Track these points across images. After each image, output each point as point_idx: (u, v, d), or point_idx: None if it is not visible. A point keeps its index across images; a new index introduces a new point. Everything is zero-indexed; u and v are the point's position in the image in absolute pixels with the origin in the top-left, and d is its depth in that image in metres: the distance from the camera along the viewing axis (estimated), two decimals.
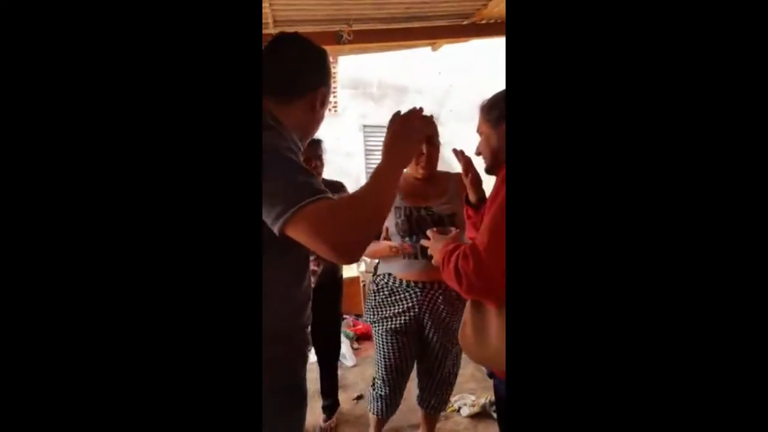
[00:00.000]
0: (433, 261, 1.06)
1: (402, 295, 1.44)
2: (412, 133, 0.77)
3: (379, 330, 1.48)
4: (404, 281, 1.44)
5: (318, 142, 1.69)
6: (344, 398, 2.16)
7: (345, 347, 2.54)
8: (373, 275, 1.59)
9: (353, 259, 0.66)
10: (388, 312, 1.46)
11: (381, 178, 0.71)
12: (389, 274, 1.47)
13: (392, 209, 1.40)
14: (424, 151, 1.40)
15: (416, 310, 1.43)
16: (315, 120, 0.84)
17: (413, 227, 1.41)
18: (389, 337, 1.46)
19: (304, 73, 0.79)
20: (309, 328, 0.83)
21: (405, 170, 1.41)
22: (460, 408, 2.02)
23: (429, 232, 1.06)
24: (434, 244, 1.02)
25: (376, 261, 1.61)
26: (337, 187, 1.74)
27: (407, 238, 1.42)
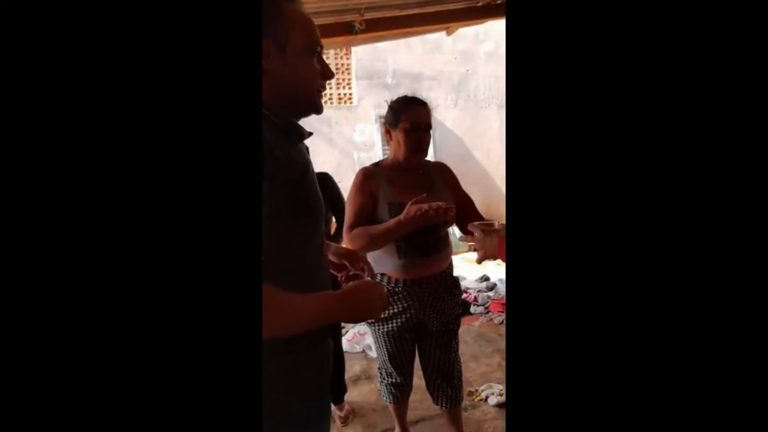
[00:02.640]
0: (478, 258, 1.04)
1: (400, 296, 1.36)
2: (369, 308, 0.72)
3: (378, 330, 1.43)
4: (401, 280, 1.35)
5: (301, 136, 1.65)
6: (371, 388, 2.19)
7: (371, 338, 2.56)
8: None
9: None
10: (386, 313, 1.38)
11: (312, 310, 0.65)
12: (382, 275, 1.37)
13: (384, 205, 1.31)
14: (423, 137, 1.32)
15: (417, 306, 1.38)
16: (279, 79, 0.67)
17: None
18: (389, 337, 1.43)
19: None
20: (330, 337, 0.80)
21: (392, 156, 1.37)
22: (487, 397, 2.01)
23: (472, 227, 1.05)
24: (485, 238, 0.98)
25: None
26: (322, 178, 1.74)
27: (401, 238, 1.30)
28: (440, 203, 1.17)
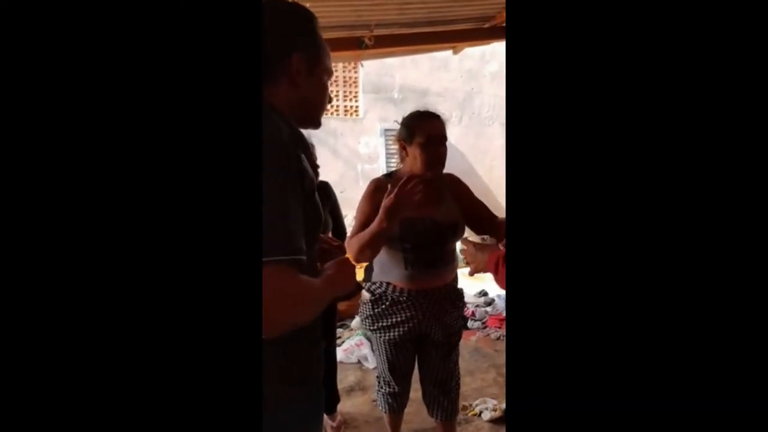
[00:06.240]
0: (470, 271, 1.10)
1: (404, 305, 1.37)
2: (345, 282, 0.78)
3: (379, 339, 1.44)
4: (406, 290, 1.36)
5: (308, 146, 1.71)
6: (364, 400, 2.18)
7: (366, 349, 2.56)
8: (365, 281, 1.48)
9: (267, 335, 0.58)
10: (389, 321, 1.39)
11: (320, 294, 0.70)
12: (388, 284, 1.39)
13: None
14: (439, 151, 1.33)
15: (420, 317, 1.38)
16: (303, 96, 0.73)
17: (418, 237, 1.31)
18: (390, 345, 1.43)
19: (269, 42, 0.66)
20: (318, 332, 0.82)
21: (407, 170, 1.38)
22: (481, 412, 2.00)
23: (464, 242, 1.10)
24: (476, 254, 1.05)
25: (365, 264, 1.48)
26: (323, 187, 1.80)
27: (407, 246, 1.33)
28: (408, 179, 1.15)
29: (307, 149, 0.78)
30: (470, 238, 1.19)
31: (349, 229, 1.83)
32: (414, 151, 1.34)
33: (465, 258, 1.11)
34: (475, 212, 1.42)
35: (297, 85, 0.72)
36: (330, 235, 1.94)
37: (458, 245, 1.20)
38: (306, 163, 0.75)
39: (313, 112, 0.78)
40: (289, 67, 0.70)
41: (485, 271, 1.01)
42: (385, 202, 1.17)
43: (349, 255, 1.32)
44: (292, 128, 0.72)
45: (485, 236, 1.17)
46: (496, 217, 1.42)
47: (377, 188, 1.38)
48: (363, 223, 1.34)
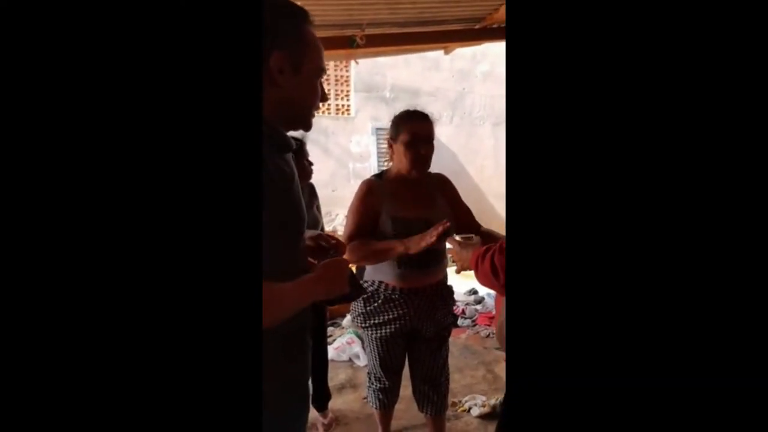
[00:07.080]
0: (456, 269, 1.11)
1: (396, 302, 1.40)
2: (335, 284, 0.75)
3: (371, 335, 1.46)
4: (398, 289, 1.39)
5: (301, 144, 1.72)
6: (355, 397, 2.19)
7: (358, 347, 2.57)
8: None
9: None
10: (381, 318, 1.41)
11: (290, 296, 0.69)
12: (380, 282, 1.41)
13: (387, 219, 1.35)
14: (422, 151, 1.35)
15: (411, 313, 1.41)
16: (288, 96, 0.71)
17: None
18: (383, 342, 1.45)
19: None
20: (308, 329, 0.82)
21: (395, 170, 1.40)
22: (470, 408, 2.03)
23: (451, 241, 1.11)
24: (461, 252, 1.06)
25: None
26: (311, 188, 1.84)
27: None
28: (440, 226, 1.21)
29: (288, 150, 0.77)
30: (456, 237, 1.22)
31: (339, 228, 1.84)
32: (399, 150, 1.36)
33: (452, 256, 1.13)
34: (460, 217, 1.44)
35: (279, 85, 0.69)
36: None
37: (447, 244, 1.22)
38: (286, 165, 0.75)
39: (300, 113, 0.75)
40: (268, 65, 0.68)
41: (470, 269, 1.03)
42: (423, 244, 1.21)
43: (349, 256, 1.33)
44: (271, 129, 0.71)
45: (471, 234, 1.18)
46: (480, 226, 1.44)
47: (370, 191, 1.40)
48: (358, 226, 1.36)
